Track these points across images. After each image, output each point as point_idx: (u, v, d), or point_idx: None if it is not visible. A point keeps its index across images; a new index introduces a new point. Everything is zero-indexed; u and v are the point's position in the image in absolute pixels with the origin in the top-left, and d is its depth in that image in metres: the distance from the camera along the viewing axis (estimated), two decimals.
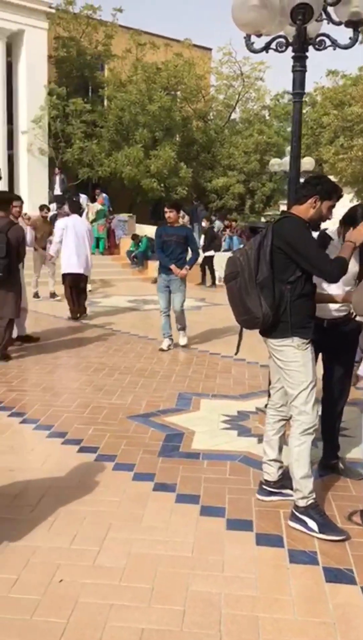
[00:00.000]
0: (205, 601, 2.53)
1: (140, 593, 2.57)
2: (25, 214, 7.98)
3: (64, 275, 9.25)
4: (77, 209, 9.70)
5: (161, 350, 7.45)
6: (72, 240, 8.99)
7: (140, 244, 16.53)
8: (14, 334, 7.24)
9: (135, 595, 2.55)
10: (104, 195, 18.43)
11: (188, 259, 7.48)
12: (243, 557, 2.87)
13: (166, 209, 7.36)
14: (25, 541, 2.96)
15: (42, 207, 12.34)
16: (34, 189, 19.33)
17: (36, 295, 11.43)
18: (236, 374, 6.51)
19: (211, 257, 15.15)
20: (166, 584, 2.64)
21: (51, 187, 20.33)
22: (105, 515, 3.24)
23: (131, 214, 19.73)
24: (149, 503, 3.41)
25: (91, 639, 2.28)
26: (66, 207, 16.99)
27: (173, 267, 7.26)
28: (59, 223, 9.46)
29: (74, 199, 17.12)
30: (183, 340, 7.69)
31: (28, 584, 2.62)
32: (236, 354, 3.56)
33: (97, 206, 17.76)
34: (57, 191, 19.78)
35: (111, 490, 3.55)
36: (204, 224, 17.04)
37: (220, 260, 17.93)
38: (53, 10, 20.14)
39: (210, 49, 27.81)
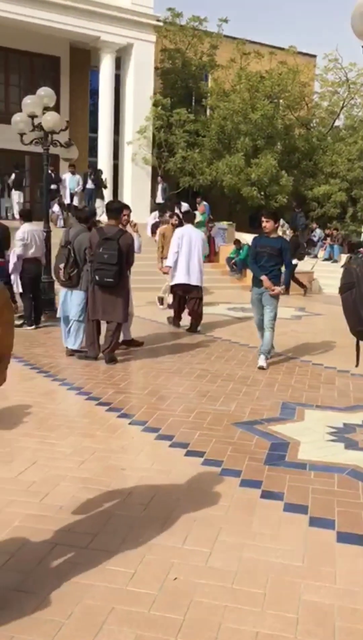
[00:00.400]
0: (318, 611, 2.53)
1: (253, 597, 2.61)
2: (132, 221, 8.22)
3: (173, 286, 9.19)
4: (192, 219, 9.59)
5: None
6: (184, 250, 8.87)
7: (241, 250, 16.58)
8: (120, 338, 7.48)
9: (248, 599, 2.60)
10: (205, 203, 18.64)
11: (282, 271, 7.13)
12: (356, 571, 2.85)
13: (263, 218, 7.13)
14: (140, 538, 3.08)
15: (172, 216, 12.53)
16: (136, 197, 19.83)
17: (161, 301, 11.55)
18: (340, 385, 6.40)
19: (295, 265, 14.92)
20: (278, 591, 2.67)
21: (153, 195, 20.82)
22: (215, 519, 3.31)
23: (230, 222, 19.83)
24: (257, 510, 3.44)
25: (207, 638, 2.35)
26: (167, 215, 17.39)
27: (264, 278, 6.95)
28: (176, 233, 9.34)
29: (182, 208, 17.45)
30: (261, 362, 7.06)
31: (144, 579, 2.73)
32: (356, 366, 3.54)
33: (197, 215, 17.99)
34: (159, 199, 20.23)
35: (219, 495, 3.62)
36: (288, 232, 16.85)
37: (321, 269, 17.66)
38: (161, 24, 20.68)
39: (315, 56, 27.51)
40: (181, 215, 11.11)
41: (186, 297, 9.22)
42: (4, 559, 2.84)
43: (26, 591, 2.61)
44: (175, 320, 9.53)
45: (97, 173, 18.50)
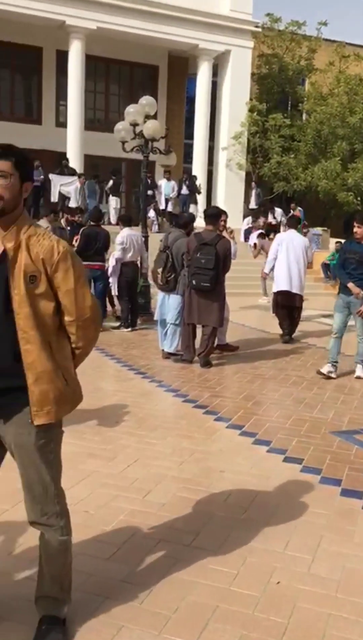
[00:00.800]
0: None
1: (359, 608, 2.57)
2: (229, 228, 8.26)
3: (275, 294, 8.90)
4: (295, 224, 9.30)
5: (319, 373, 6.81)
6: (285, 256, 8.58)
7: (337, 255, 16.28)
8: (215, 342, 7.53)
9: (353, 609, 2.57)
10: (299, 209, 18.44)
11: None
12: None
13: (355, 223, 6.80)
14: (241, 540, 3.11)
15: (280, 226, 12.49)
16: (230, 202, 19.86)
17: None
18: None
19: None
20: None
21: (246, 200, 20.82)
22: (315, 527, 3.29)
23: (325, 228, 19.49)
24: (359, 520, 3.39)
25: None
26: (260, 221, 17.35)
27: (350, 285, 6.65)
28: (276, 239, 9.16)
29: (275, 214, 17.34)
30: (359, 371, 6.90)
31: (247, 581, 2.76)
32: None
33: None
34: (253, 205, 20.20)
35: (319, 503, 3.59)
36: None
37: None
38: (259, 29, 20.66)
39: None
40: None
41: (287, 305, 8.82)
42: (111, 550, 2.96)
43: (133, 583, 2.70)
44: (282, 332, 8.96)
45: (192, 179, 18.73)
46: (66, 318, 2.24)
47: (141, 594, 2.62)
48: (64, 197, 16.86)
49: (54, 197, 16.91)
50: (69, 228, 9.57)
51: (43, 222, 9.88)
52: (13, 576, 2.73)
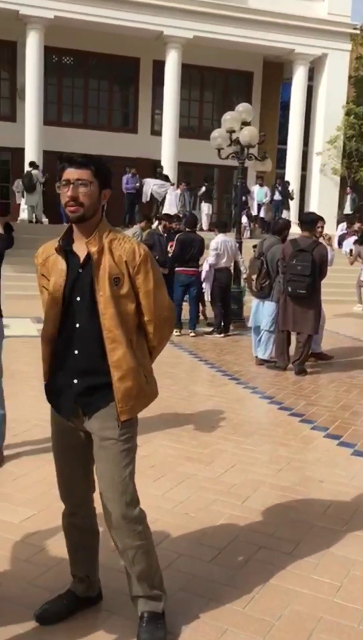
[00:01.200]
0: None
1: None
2: (327, 235, 8.12)
3: None
4: None
5: None
6: None
7: None
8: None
9: None
10: None
11: None
12: None
13: None
14: (343, 552, 3.06)
15: None
16: (323, 208, 19.46)
17: None
18: None
19: None
20: None
21: (341, 206, 20.38)
22: None
23: None
24: None
25: None
26: (355, 227, 16.93)
27: None
28: None
29: None
30: None
31: (352, 593, 2.71)
32: None
33: None
34: (347, 210, 19.76)
35: None
36: None
37: None
38: (357, 32, 20.20)
39: None
40: None
41: None
42: (212, 553, 2.99)
43: (235, 587, 2.72)
44: None
45: (284, 184, 18.58)
46: (145, 317, 2.34)
47: (244, 598, 2.63)
48: (157, 201, 17.16)
49: (146, 197, 17.24)
50: (166, 235, 9.74)
51: (135, 228, 10.14)
52: (117, 571, 2.81)
